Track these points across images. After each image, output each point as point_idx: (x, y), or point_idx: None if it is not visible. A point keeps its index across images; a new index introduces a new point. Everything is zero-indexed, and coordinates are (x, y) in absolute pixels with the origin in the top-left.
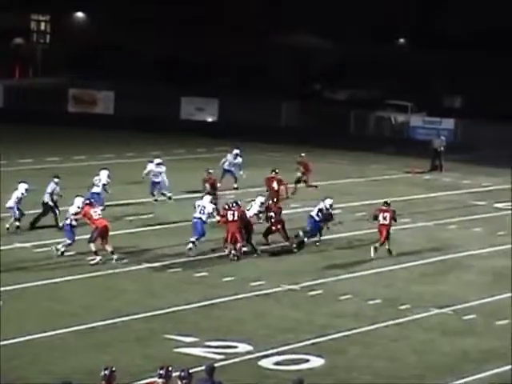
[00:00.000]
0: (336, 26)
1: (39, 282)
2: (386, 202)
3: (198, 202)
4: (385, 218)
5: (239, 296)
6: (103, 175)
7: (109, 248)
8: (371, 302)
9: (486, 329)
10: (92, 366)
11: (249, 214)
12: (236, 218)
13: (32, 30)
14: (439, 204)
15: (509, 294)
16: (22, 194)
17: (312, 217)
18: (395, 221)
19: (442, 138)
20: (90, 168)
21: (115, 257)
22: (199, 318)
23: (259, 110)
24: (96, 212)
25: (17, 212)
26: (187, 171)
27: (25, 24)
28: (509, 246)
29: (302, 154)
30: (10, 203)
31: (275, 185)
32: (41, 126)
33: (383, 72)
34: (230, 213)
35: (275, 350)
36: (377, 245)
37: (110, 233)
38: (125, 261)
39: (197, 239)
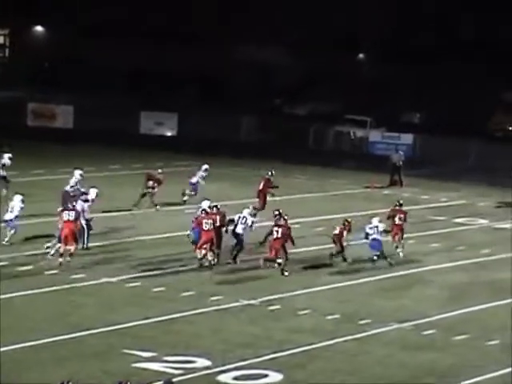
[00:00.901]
0: (296, 41)
1: None
2: (398, 203)
3: (238, 215)
4: (400, 219)
5: (198, 311)
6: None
7: (64, 247)
8: (330, 317)
9: (445, 344)
10: (50, 381)
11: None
12: (280, 235)
13: None
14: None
15: (467, 309)
16: (20, 205)
17: (374, 239)
18: (405, 221)
19: (401, 152)
20: (48, 182)
21: (68, 259)
22: (158, 333)
23: (219, 124)
24: (68, 214)
25: (15, 223)
26: None
27: None
28: (468, 261)
29: (159, 171)
30: (8, 216)
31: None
32: None
33: (342, 87)
34: (274, 229)
35: (233, 365)
36: (401, 242)
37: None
38: (83, 275)
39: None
